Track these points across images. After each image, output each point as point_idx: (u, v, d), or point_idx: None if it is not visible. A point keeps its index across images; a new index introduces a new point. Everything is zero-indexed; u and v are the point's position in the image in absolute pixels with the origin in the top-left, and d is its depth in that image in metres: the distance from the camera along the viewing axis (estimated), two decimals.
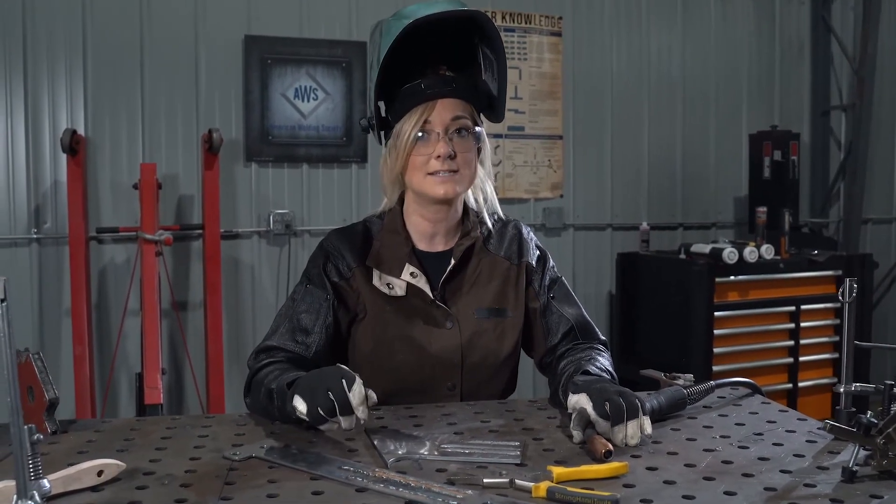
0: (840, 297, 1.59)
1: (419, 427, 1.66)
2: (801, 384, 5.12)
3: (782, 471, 1.40)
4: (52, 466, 1.38)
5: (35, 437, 1.11)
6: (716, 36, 5.89)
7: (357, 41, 4.98)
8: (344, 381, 1.51)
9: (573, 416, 1.57)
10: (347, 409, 1.50)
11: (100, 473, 1.32)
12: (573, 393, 1.61)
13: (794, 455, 1.49)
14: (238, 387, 4.81)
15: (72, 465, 1.34)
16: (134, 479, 1.36)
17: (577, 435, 1.55)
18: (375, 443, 1.53)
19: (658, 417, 1.69)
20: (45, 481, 1.14)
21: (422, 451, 1.49)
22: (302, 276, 2.01)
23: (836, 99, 6.25)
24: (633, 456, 1.47)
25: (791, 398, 5.05)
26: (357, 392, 1.51)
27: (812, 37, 6.17)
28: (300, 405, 1.54)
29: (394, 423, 1.69)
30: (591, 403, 1.54)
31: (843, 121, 6.26)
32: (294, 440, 1.57)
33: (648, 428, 1.53)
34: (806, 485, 1.33)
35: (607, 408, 1.51)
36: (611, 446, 1.45)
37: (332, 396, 1.50)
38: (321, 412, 1.50)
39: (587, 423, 1.54)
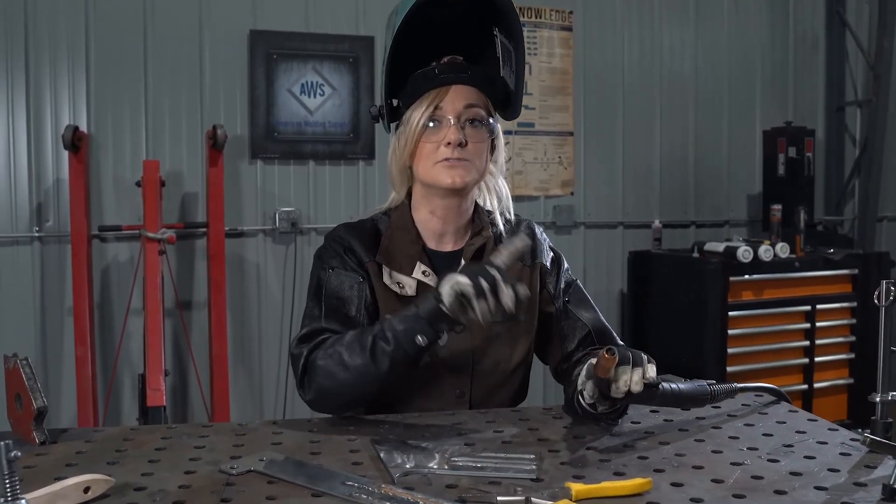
0: (875, 301, 1.50)
1: (428, 437, 1.57)
2: (816, 385, 5.03)
3: (817, 487, 1.31)
4: (37, 480, 1.31)
5: (12, 454, 1.03)
6: (728, 31, 5.79)
7: (364, 36, 4.90)
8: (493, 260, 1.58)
9: (581, 376, 1.58)
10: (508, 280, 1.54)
11: (87, 490, 1.24)
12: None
13: (829, 469, 1.39)
14: (244, 387, 4.76)
15: (59, 479, 1.26)
16: (124, 495, 1.27)
17: (588, 386, 1.55)
18: (381, 455, 1.44)
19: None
20: (23, 502, 1.05)
21: (431, 465, 1.40)
22: (317, 266, 1.87)
23: (851, 95, 6.14)
24: (657, 470, 1.38)
25: (806, 399, 4.96)
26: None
27: (826, 31, 6.06)
28: (461, 279, 1.53)
29: (401, 433, 1.60)
30: (595, 358, 1.53)
31: (859, 117, 6.15)
32: (294, 452, 1.48)
33: (651, 372, 1.51)
34: (844, 503, 1.24)
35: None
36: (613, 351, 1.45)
37: (490, 269, 1.54)
38: (483, 282, 1.52)
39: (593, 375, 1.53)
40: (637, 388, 1.49)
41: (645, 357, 1.53)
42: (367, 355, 1.62)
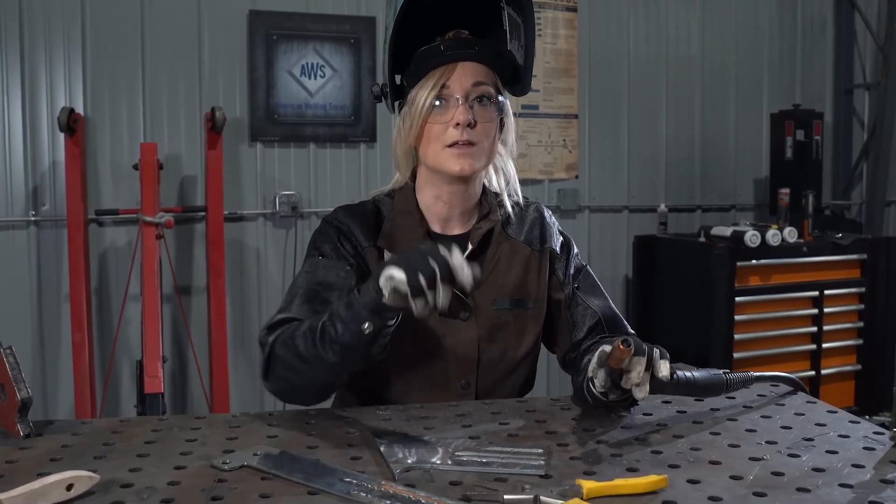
0: None
1: (431, 430, 1.51)
2: (823, 372, 4.97)
3: (842, 485, 1.24)
4: (20, 475, 1.25)
5: None
6: (736, 11, 5.69)
7: (366, 16, 4.81)
8: (442, 248, 1.38)
9: (592, 362, 1.50)
10: (448, 275, 1.35)
11: (69, 487, 1.17)
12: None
13: (853, 465, 1.32)
14: (244, 374, 4.70)
15: (42, 474, 1.20)
16: (109, 492, 1.20)
17: (599, 376, 1.47)
18: (382, 449, 1.38)
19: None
20: None
21: (434, 460, 1.33)
22: (310, 251, 1.80)
23: (860, 77, 6.05)
24: (672, 466, 1.31)
25: (813, 386, 4.90)
26: (458, 253, 1.38)
27: (835, 12, 5.96)
28: (397, 273, 1.35)
29: (403, 426, 1.53)
30: (608, 345, 1.46)
31: (867, 100, 6.06)
32: (291, 445, 1.42)
33: (665, 370, 1.43)
34: (871, 502, 1.17)
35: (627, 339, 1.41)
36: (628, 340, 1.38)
37: (432, 261, 1.35)
38: (422, 278, 1.33)
39: (605, 363, 1.45)
40: (643, 393, 1.43)
41: (657, 352, 1.46)
42: (318, 342, 1.49)
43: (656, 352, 1.45)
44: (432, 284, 1.34)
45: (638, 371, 1.41)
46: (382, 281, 1.39)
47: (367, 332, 1.43)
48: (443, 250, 1.38)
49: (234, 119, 4.60)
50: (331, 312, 1.49)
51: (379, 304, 1.40)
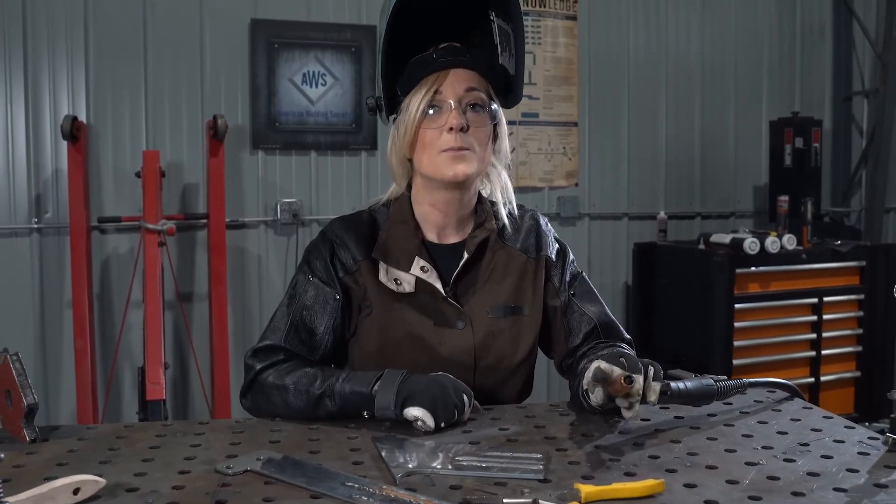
0: None
1: (431, 435, 1.53)
2: (823, 378, 4.98)
3: (836, 489, 1.25)
4: (28, 480, 1.27)
5: None
6: (735, 19, 5.71)
7: (366, 25, 4.83)
8: (465, 396, 1.62)
9: (587, 375, 1.57)
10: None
11: (76, 491, 1.19)
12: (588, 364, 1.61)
13: (847, 470, 1.34)
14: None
15: (48, 479, 1.22)
16: (115, 496, 1.23)
17: (596, 393, 1.55)
18: (383, 454, 1.40)
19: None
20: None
21: (434, 465, 1.35)
22: (303, 265, 1.83)
23: (859, 84, 6.07)
24: (669, 470, 1.33)
25: (813, 393, 4.91)
26: (470, 408, 1.63)
27: (834, 19, 5.98)
28: (427, 420, 1.54)
29: (403, 430, 1.55)
30: (605, 362, 1.52)
31: (866, 107, 6.08)
32: (293, 450, 1.44)
33: (653, 396, 1.49)
34: None
35: (623, 361, 1.51)
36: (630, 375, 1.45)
37: (457, 415, 1.58)
38: (443, 425, 1.56)
39: (601, 381, 1.53)
40: (653, 398, 1.49)
41: (651, 372, 1.50)
42: (311, 405, 1.65)
43: (651, 372, 1.49)
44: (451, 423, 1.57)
45: (637, 390, 1.45)
46: (409, 415, 1.56)
47: (364, 416, 1.62)
48: (466, 399, 1.61)
49: (236, 127, 4.63)
50: (334, 389, 1.63)
51: (390, 416, 1.58)
